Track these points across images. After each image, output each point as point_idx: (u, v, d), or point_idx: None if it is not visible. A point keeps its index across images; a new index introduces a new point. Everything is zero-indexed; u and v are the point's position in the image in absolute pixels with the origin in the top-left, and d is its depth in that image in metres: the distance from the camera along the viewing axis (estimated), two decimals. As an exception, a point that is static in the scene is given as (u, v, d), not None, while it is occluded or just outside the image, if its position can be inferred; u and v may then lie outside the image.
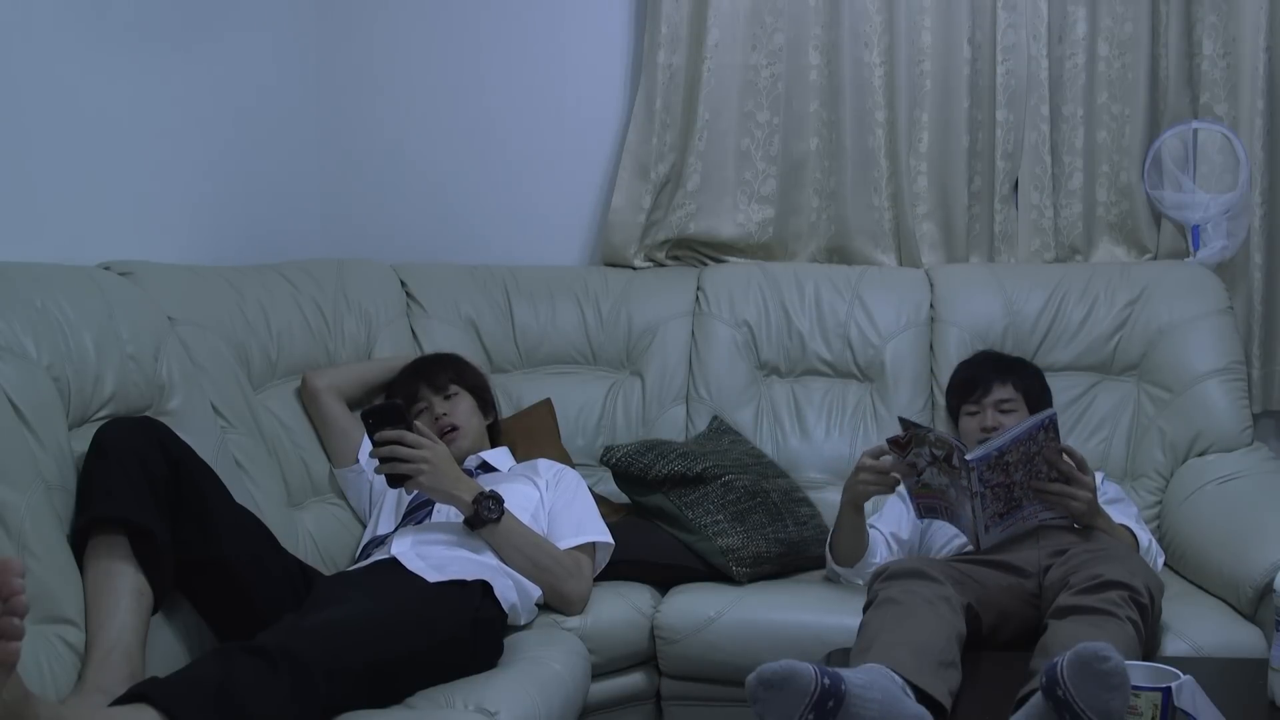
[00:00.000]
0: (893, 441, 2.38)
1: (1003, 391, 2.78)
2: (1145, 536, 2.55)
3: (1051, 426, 2.34)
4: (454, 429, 2.68)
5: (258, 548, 2.08)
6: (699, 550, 2.67)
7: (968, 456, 2.27)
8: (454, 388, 2.75)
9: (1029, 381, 2.83)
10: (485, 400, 2.81)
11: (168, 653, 1.96)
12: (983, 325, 3.08)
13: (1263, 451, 2.90)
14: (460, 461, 2.62)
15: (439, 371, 2.77)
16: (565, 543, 2.47)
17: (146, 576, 1.87)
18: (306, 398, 2.70)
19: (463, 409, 2.73)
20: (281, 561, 2.14)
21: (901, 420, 2.38)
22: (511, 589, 2.32)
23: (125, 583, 1.84)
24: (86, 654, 1.79)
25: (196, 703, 1.65)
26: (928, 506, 2.43)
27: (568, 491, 2.59)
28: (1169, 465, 2.91)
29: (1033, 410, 2.79)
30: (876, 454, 2.42)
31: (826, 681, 1.72)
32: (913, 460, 2.36)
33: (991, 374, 2.81)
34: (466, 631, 2.10)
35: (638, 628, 2.54)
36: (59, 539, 1.83)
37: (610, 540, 2.54)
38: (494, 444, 2.80)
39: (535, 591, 2.39)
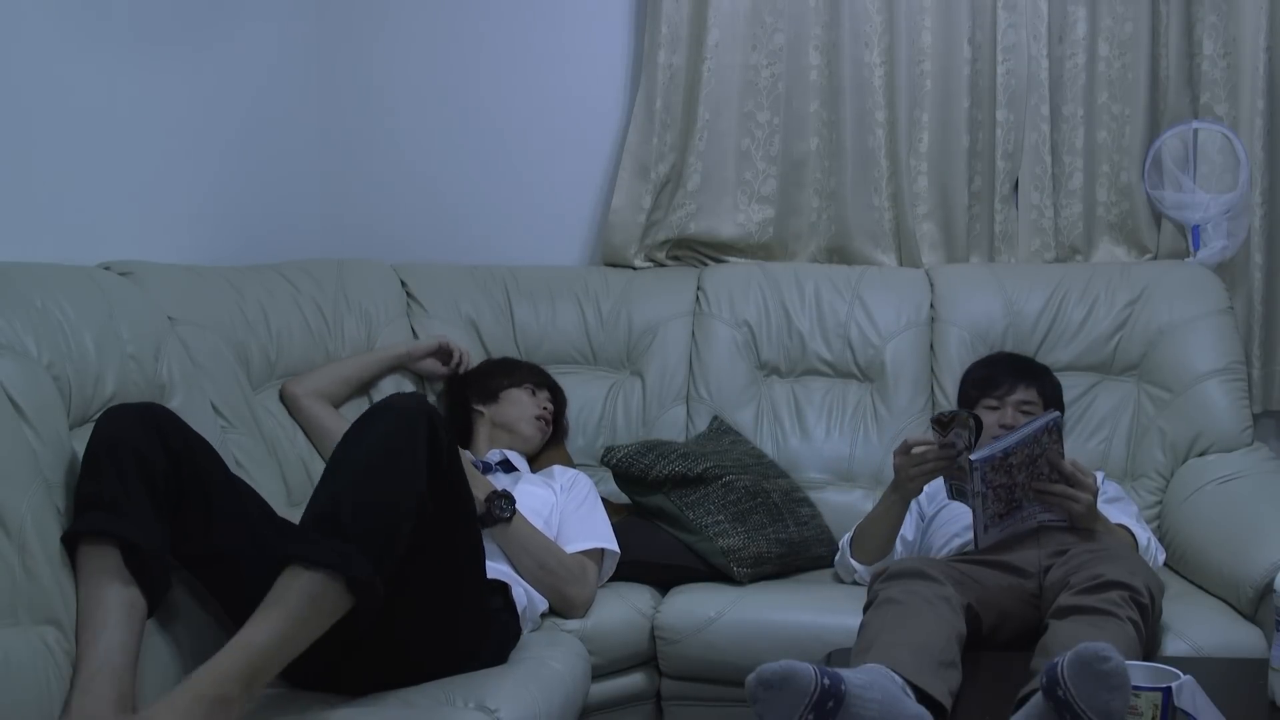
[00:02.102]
0: (936, 420, 2.39)
1: (1027, 394, 2.79)
2: (1144, 535, 2.56)
3: (1055, 429, 2.34)
4: (549, 424, 2.87)
5: (263, 538, 2.03)
6: (700, 550, 2.67)
7: (972, 457, 2.27)
8: (550, 394, 2.93)
9: (1050, 390, 2.85)
10: (558, 426, 2.96)
11: (164, 658, 1.95)
12: (983, 325, 3.08)
13: (1263, 451, 2.90)
14: (483, 453, 2.72)
15: (548, 378, 2.98)
16: (572, 547, 2.47)
17: (139, 585, 1.83)
18: (288, 404, 2.69)
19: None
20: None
21: (940, 413, 2.41)
22: (523, 595, 2.32)
23: (115, 598, 1.80)
24: (74, 675, 1.75)
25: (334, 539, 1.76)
26: (958, 489, 2.43)
27: (578, 496, 2.60)
28: (1169, 465, 2.91)
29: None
30: (908, 449, 2.45)
31: (826, 682, 1.72)
32: (953, 440, 2.37)
33: (1017, 375, 2.83)
34: (486, 621, 2.12)
35: (638, 628, 2.54)
36: (59, 540, 1.82)
37: (617, 549, 2.55)
38: (532, 458, 2.85)
39: (542, 604, 2.40)
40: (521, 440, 2.81)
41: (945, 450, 2.38)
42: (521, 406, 2.84)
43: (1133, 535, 2.53)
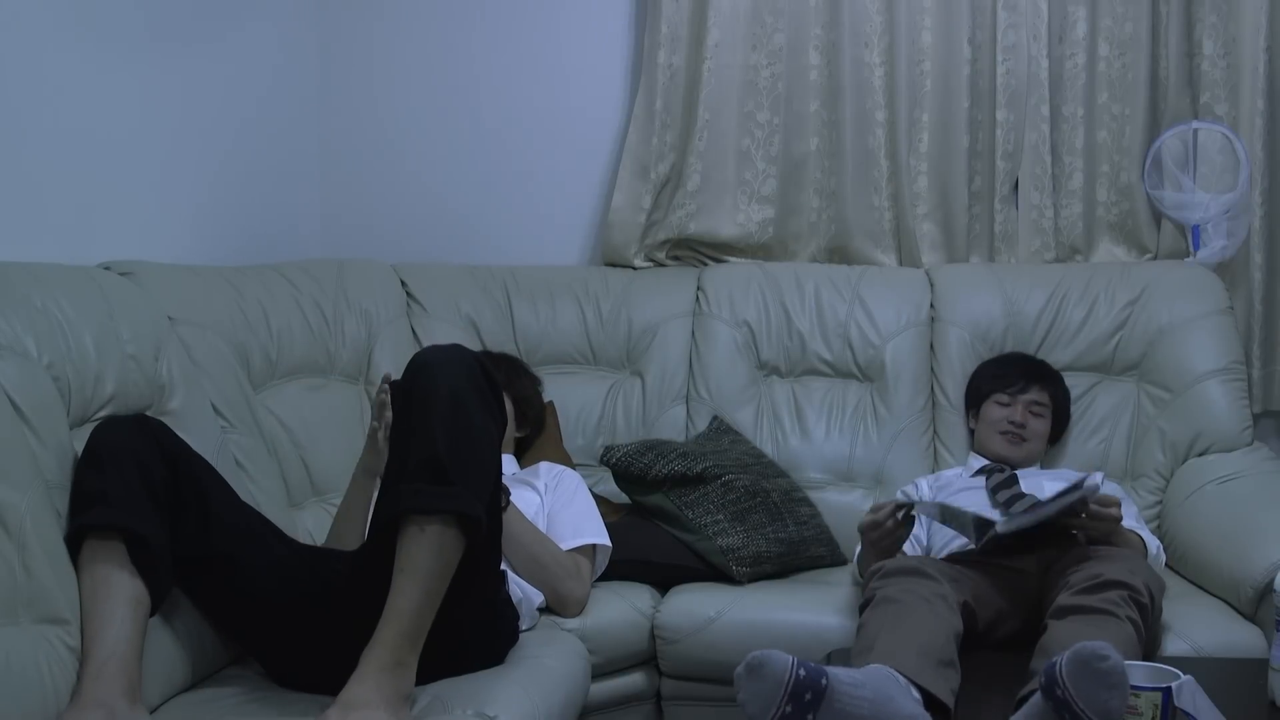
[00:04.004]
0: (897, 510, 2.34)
1: (1040, 395, 2.82)
2: (1155, 542, 2.54)
3: (1081, 503, 2.25)
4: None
5: (263, 540, 2.06)
6: (699, 550, 2.67)
7: (998, 530, 2.19)
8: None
9: (1062, 396, 2.87)
10: (524, 413, 2.82)
11: (165, 657, 1.95)
12: (983, 325, 3.09)
13: (1263, 451, 2.90)
14: None
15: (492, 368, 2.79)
16: (564, 544, 2.47)
17: (144, 580, 1.85)
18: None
19: None
20: (289, 552, 2.09)
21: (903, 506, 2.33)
22: (517, 590, 2.32)
23: (121, 591, 1.82)
24: (82, 665, 1.76)
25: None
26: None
27: (566, 493, 2.59)
28: (1169, 465, 2.91)
29: (1056, 419, 2.85)
30: (879, 513, 2.35)
31: (802, 673, 1.72)
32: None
33: (1031, 375, 2.86)
34: (493, 613, 2.11)
35: (638, 628, 2.54)
36: (59, 539, 1.83)
37: (608, 543, 2.54)
38: (519, 456, 2.80)
39: (537, 598, 2.40)
40: None
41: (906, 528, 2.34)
42: None
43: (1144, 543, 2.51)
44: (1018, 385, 2.84)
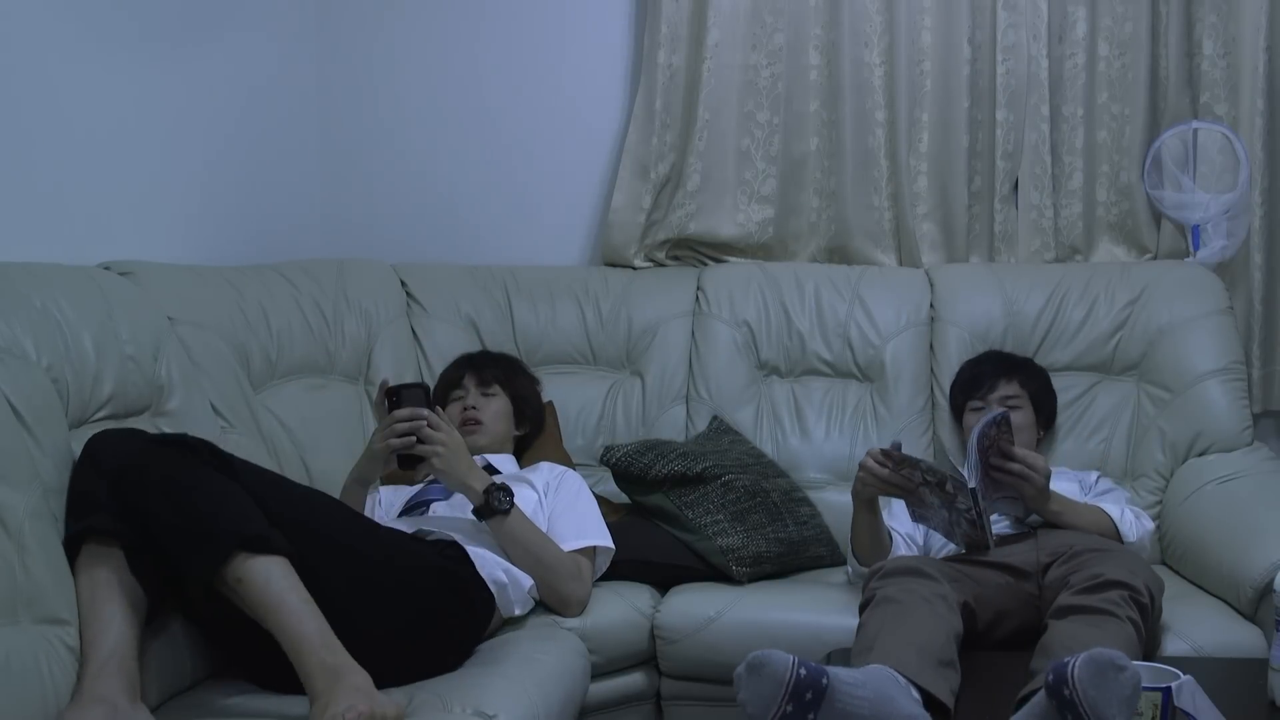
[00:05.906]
0: (886, 455, 2.39)
1: (1008, 388, 2.80)
2: (1117, 510, 2.55)
3: (1004, 423, 2.38)
4: (476, 422, 2.70)
5: None
6: (699, 550, 2.67)
7: (972, 485, 2.28)
8: (495, 387, 2.78)
9: (1035, 382, 2.85)
10: (522, 411, 2.82)
11: (165, 657, 1.95)
12: (983, 325, 3.08)
13: (1263, 451, 2.90)
14: None
15: (488, 366, 2.82)
16: (566, 545, 2.46)
17: (141, 585, 1.85)
18: None
19: (494, 409, 2.75)
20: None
21: (892, 446, 2.38)
22: (499, 569, 2.29)
23: (120, 593, 1.82)
24: (83, 664, 1.77)
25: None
26: (919, 514, 2.47)
27: (568, 494, 2.58)
28: (1169, 465, 2.91)
29: (1038, 406, 2.82)
30: (878, 457, 2.41)
31: (803, 672, 1.73)
32: (906, 475, 2.37)
33: (998, 371, 2.84)
34: (431, 575, 2.11)
35: (638, 628, 2.54)
36: (57, 541, 1.83)
37: (611, 545, 2.54)
38: (519, 455, 2.80)
39: (526, 581, 2.37)
40: (471, 449, 2.58)
41: (899, 479, 2.39)
42: (454, 421, 2.64)
43: (1108, 520, 2.53)
44: (985, 386, 2.82)
